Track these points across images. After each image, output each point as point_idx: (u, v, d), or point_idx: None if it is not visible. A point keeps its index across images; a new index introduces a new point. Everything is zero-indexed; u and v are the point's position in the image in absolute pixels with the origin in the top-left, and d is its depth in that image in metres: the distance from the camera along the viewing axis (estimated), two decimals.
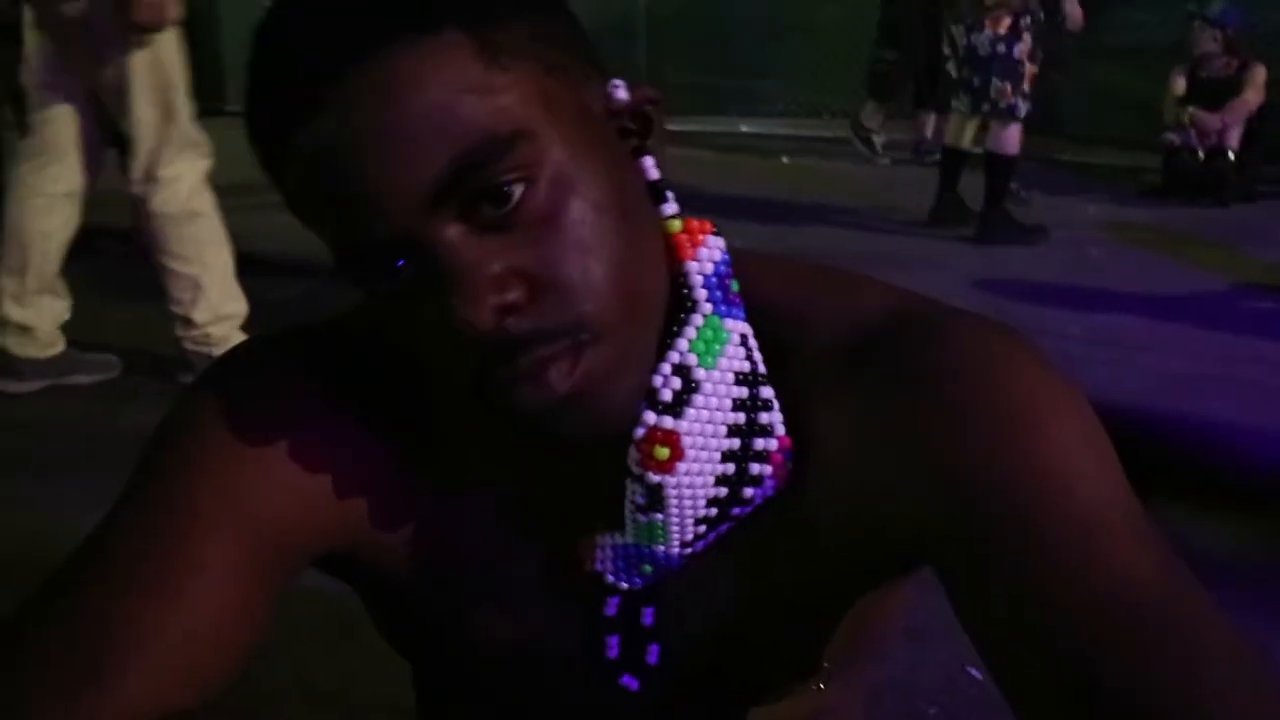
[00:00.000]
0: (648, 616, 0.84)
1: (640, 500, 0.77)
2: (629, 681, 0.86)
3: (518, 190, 0.69)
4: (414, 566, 0.85)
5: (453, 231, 0.69)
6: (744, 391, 0.77)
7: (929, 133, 8.39)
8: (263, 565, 0.79)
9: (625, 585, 0.82)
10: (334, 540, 0.84)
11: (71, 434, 3.44)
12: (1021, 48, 5.92)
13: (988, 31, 5.93)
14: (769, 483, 0.79)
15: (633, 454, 0.76)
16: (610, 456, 0.77)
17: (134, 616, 0.74)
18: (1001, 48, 5.94)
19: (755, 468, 0.78)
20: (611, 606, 0.84)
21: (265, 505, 0.80)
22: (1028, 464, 0.72)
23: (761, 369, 0.78)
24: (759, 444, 0.78)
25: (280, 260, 4.73)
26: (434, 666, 0.95)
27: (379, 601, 0.92)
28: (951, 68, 6.27)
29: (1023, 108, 6.01)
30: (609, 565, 0.82)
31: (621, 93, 0.78)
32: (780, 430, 0.78)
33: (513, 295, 0.70)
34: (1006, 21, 5.89)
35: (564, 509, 0.83)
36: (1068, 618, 0.67)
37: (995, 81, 5.97)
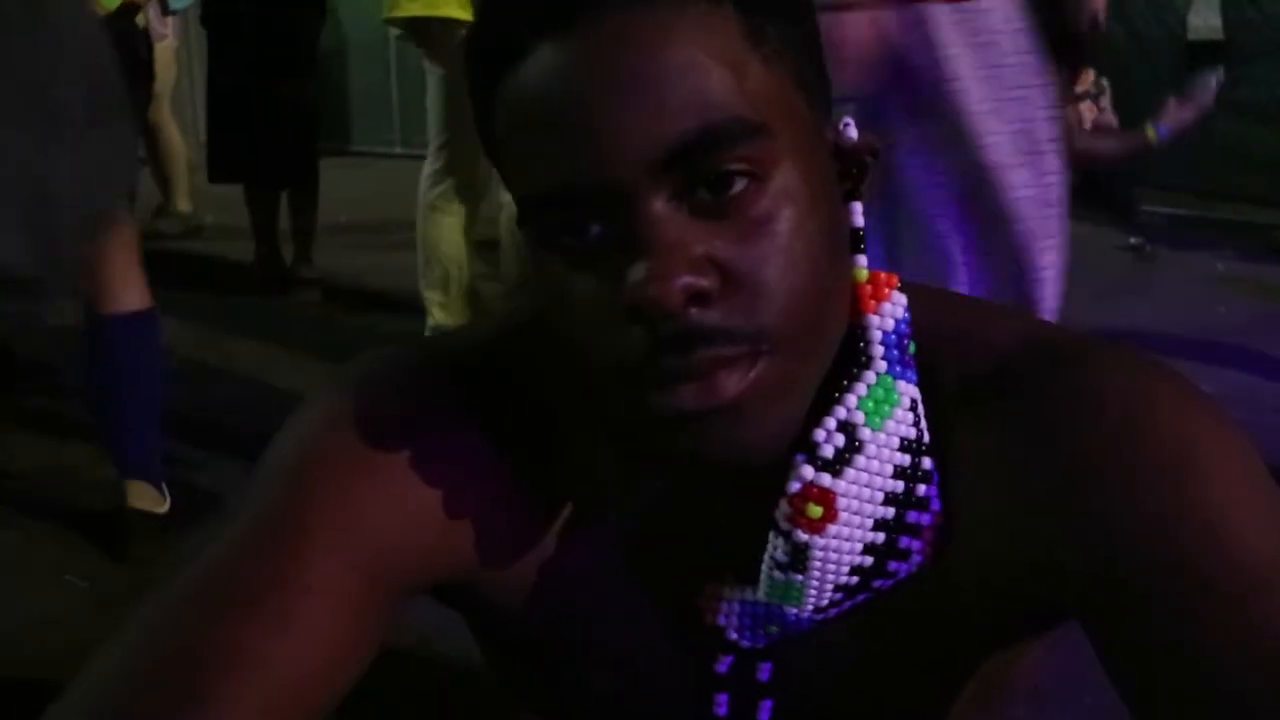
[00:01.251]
0: (764, 672, 0.82)
1: (782, 558, 0.74)
2: None
3: (742, 182, 0.67)
4: (529, 601, 0.83)
5: (662, 203, 0.67)
6: (906, 459, 0.75)
7: None
8: (375, 590, 0.77)
9: (747, 645, 0.80)
10: (450, 569, 0.81)
11: None
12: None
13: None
14: (916, 558, 0.76)
15: (783, 508, 0.73)
16: (750, 507, 0.75)
17: (239, 638, 0.71)
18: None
19: (905, 541, 0.75)
20: (724, 664, 0.82)
21: (382, 529, 0.77)
22: (1187, 510, 0.67)
23: (927, 438, 0.75)
24: (912, 517, 0.75)
25: (402, 297, 4.82)
26: (541, 703, 0.93)
27: (489, 634, 0.90)
28: None
29: None
30: (733, 621, 0.79)
31: (852, 132, 0.76)
32: (936, 505, 0.75)
33: (706, 282, 0.67)
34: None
35: (690, 557, 0.81)
36: (1227, 674, 0.63)
37: None
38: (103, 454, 3.07)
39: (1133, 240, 7.00)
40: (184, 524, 2.89)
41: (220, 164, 5.67)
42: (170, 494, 3.01)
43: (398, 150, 10.36)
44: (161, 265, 6.12)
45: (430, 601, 0.86)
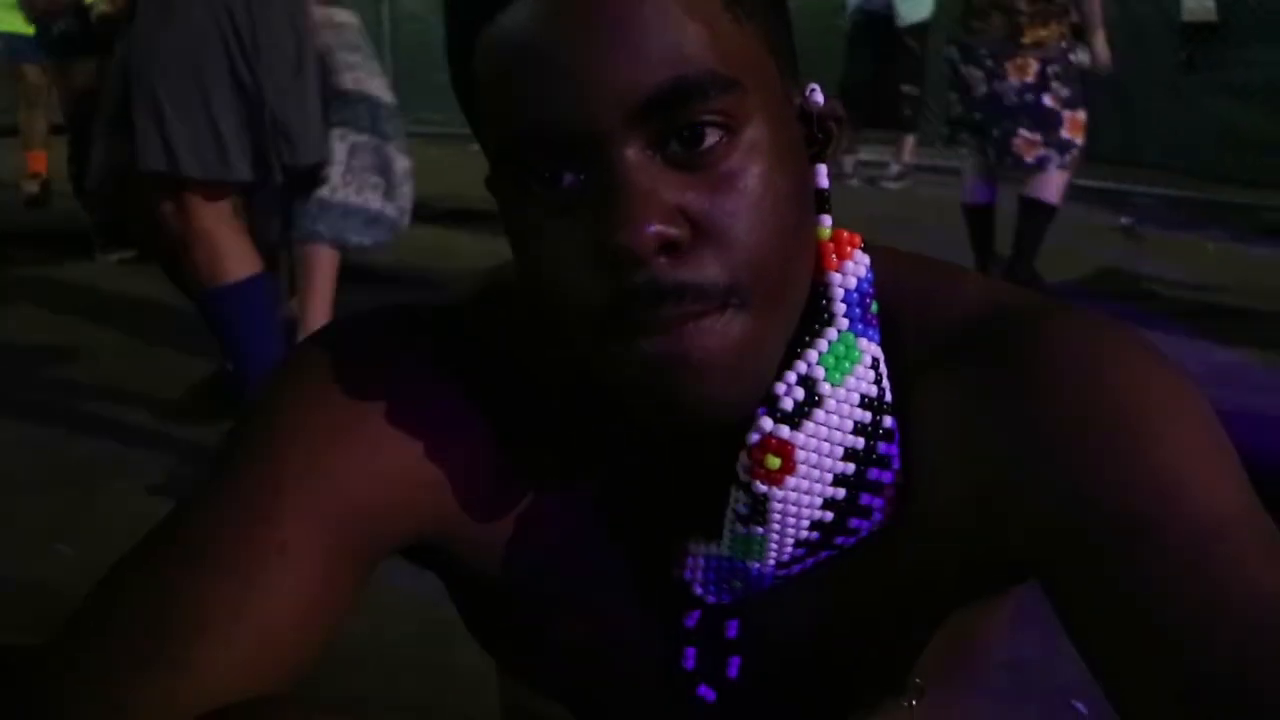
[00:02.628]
0: (731, 629, 0.83)
1: (743, 510, 0.75)
2: (705, 693, 0.84)
3: (714, 135, 0.68)
4: (503, 558, 0.84)
5: (635, 151, 0.67)
6: (867, 416, 0.75)
7: (906, 156, 8.65)
8: (349, 549, 0.77)
9: (711, 600, 0.81)
10: (424, 526, 0.82)
11: None
12: (1051, 98, 5.19)
13: (1012, 80, 5.19)
14: (877, 516, 0.77)
15: (743, 459, 0.74)
16: (717, 462, 0.76)
17: (211, 597, 0.71)
18: (1030, 97, 5.19)
19: (866, 499, 0.76)
20: (692, 619, 0.83)
21: (354, 487, 0.77)
22: (1144, 465, 0.68)
23: (889, 397, 0.76)
24: (874, 474, 0.76)
25: (389, 267, 4.81)
26: (515, 660, 0.94)
27: (464, 590, 0.90)
28: (957, 104, 5.48)
29: (1055, 159, 5.25)
30: (698, 575, 0.80)
31: (819, 97, 0.77)
32: (897, 463, 0.76)
33: (677, 232, 0.67)
34: (1034, 69, 5.17)
35: (661, 512, 0.82)
36: (1182, 627, 0.63)
37: (1023, 132, 5.20)
38: (87, 425, 3.08)
39: (1123, 221, 7.01)
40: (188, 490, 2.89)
41: None
42: (164, 459, 3.02)
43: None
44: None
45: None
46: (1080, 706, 2.06)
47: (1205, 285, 5.82)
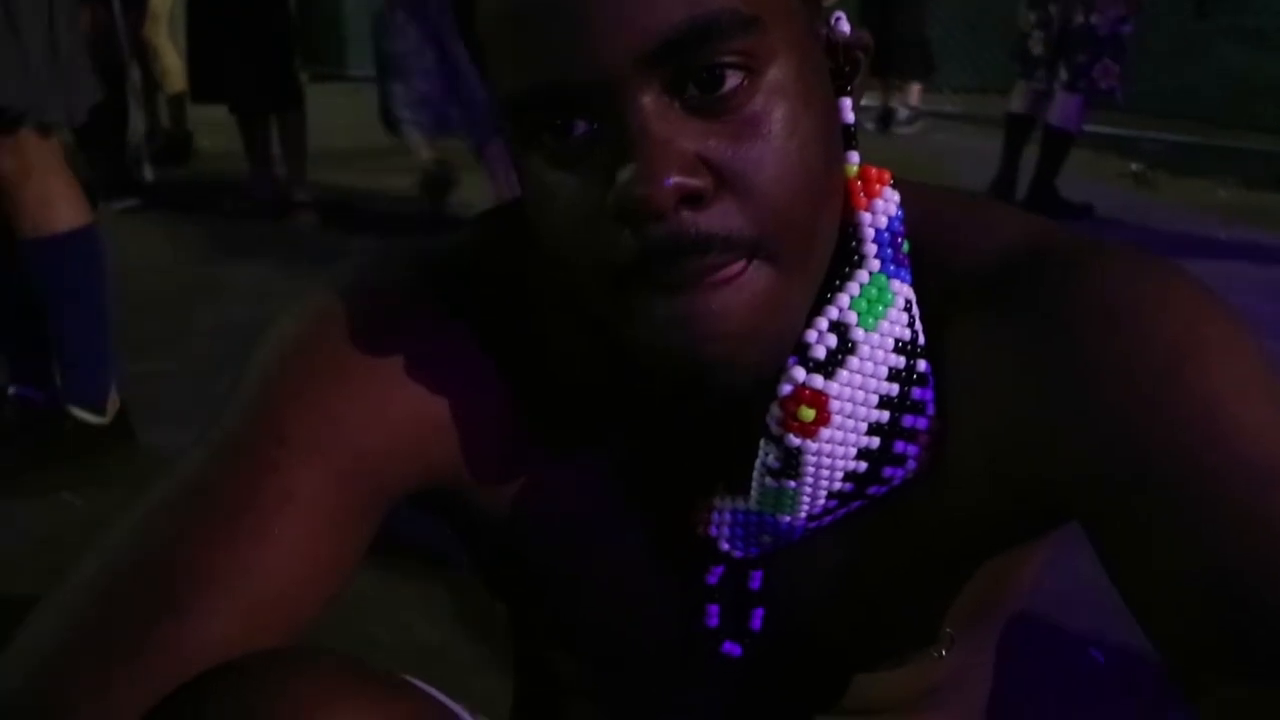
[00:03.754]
0: (755, 581, 0.80)
1: (774, 464, 0.72)
2: (731, 648, 0.82)
3: (735, 78, 0.64)
4: (514, 512, 0.81)
5: (652, 99, 0.64)
6: (901, 361, 0.72)
7: (914, 100, 8.76)
8: (356, 497, 0.75)
9: (739, 555, 0.78)
10: (434, 476, 0.79)
11: None
12: (1127, 36, 5.70)
13: (1109, 13, 5.65)
14: (911, 463, 0.74)
15: (774, 412, 0.71)
16: (741, 414, 0.73)
17: (217, 547, 0.70)
18: (1119, 29, 5.68)
19: (900, 446, 0.73)
20: (714, 575, 0.80)
21: (362, 434, 0.75)
22: (1192, 402, 0.65)
23: (922, 340, 0.73)
24: (908, 421, 0.73)
25: (394, 220, 4.79)
26: (529, 612, 0.92)
27: (476, 540, 0.88)
28: (1038, 42, 5.91)
29: (1119, 90, 5.78)
30: (725, 531, 0.77)
31: (845, 26, 0.74)
32: (931, 409, 0.73)
33: (698, 182, 0.64)
34: (1121, 5, 5.62)
35: (682, 468, 0.78)
36: (1232, 567, 0.60)
37: (1107, 61, 5.69)
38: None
39: (1134, 166, 6.96)
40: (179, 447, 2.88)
41: (201, 85, 5.66)
42: (165, 418, 3.01)
43: None
44: (156, 188, 6.14)
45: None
46: (1098, 655, 2.05)
47: (1217, 231, 5.79)
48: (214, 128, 6.66)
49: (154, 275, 4.64)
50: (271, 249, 4.94)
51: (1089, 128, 6.37)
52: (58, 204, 2.80)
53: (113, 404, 3.00)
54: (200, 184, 6.38)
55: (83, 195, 2.89)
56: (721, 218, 0.65)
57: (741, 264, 0.66)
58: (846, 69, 0.74)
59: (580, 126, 0.66)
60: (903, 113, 8.64)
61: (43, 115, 2.68)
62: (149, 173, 6.22)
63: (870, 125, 8.40)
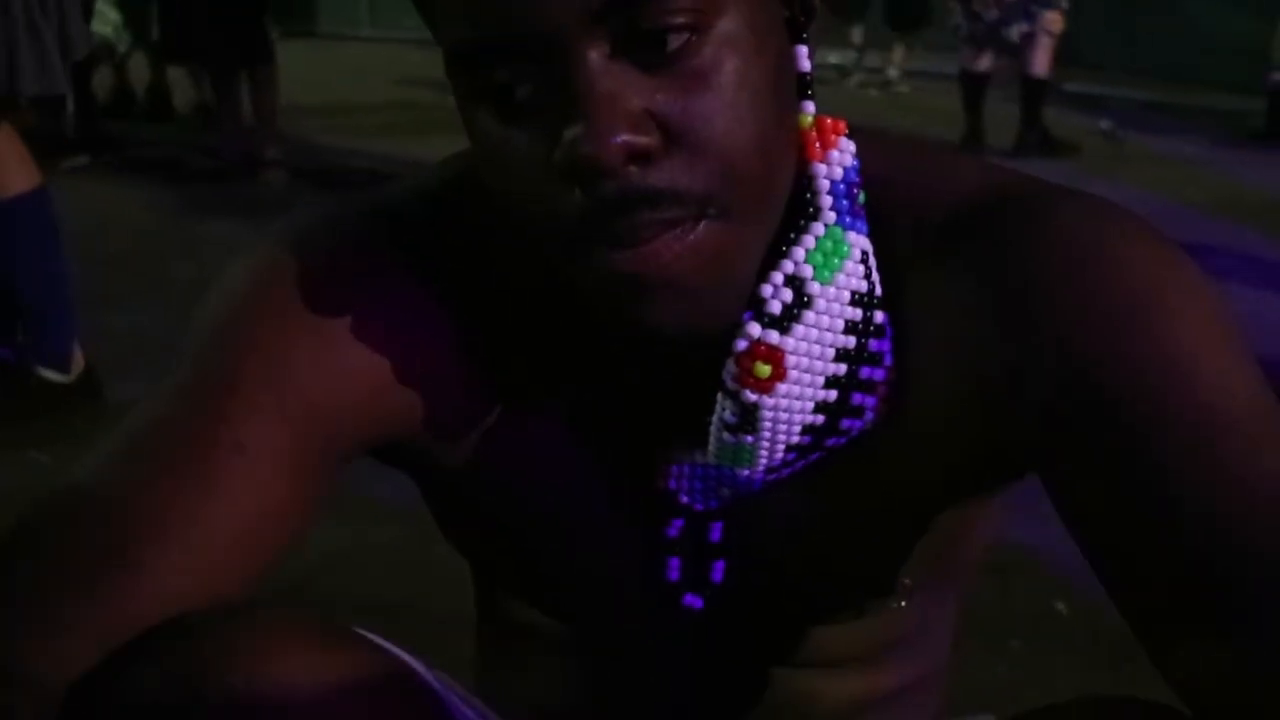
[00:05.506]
0: (714, 532, 0.80)
1: (731, 419, 0.72)
2: (692, 601, 0.82)
3: (683, 33, 0.63)
4: (473, 464, 0.81)
5: (599, 55, 0.62)
6: (858, 314, 0.71)
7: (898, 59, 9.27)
8: (311, 449, 0.74)
9: (699, 508, 0.78)
10: (390, 428, 0.79)
11: None
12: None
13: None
14: (869, 415, 0.74)
15: (730, 368, 0.70)
16: (699, 368, 0.72)
17: (168, 498, 0.69)
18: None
19: (858, 398, 0.73)
20: (674, 528, 0.80)
21: (315, 385, 0.74)
22: (1152, 346, 0.65)
23: (879, 291, 0.72)
24: (865, 373, 0.72)
25: (368, 174, 4.77)
26: (491, 565, 0.93)
27: (437, 494, 0.88)
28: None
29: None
30: (684, 485, 0.77)
31: None
32: (889, 360, 0.73)
33: (646, 139, 0.62)
34: None
35: (640, 420, 0.78)
36: (1184, 513, 0.61)
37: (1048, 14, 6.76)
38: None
39: (1103, 124, 6.98)
40: None
41: (171, 43, 5.62)
42: (136, 374, 3.00)
43: (365, 32, 10.20)
44: (125, 147, 6.10)
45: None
46: (1061, 608, 2.08)
47: (1185, 188, 5.82)
48: (185, 85, 6.62)
49: (124, 232, 4.62)
50: (241, 205, 4.93)
51: (1060, 85, 6.42)
52: (8, 169, 2.80)
53: (77, 362, 3.00)
54: (170, 140, 6.34)
55: (30, 158, 2.89)
56: (670, 174, 0.64)
57: (691, 220, 0.65)
58: (802, 18, 0.72)
59: (527, 83, 0.65)
60: (892, 71, 8.83)
61: (11, 89, 2.68)
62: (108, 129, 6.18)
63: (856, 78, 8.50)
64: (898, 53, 9.15)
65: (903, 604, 0.86)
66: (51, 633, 0.66)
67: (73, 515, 0.70)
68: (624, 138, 0.62)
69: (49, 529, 0.70)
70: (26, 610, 0.66)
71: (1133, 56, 8.73)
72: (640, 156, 0.63)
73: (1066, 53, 6.71)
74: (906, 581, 0.84)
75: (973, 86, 6.90)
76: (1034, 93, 6.81)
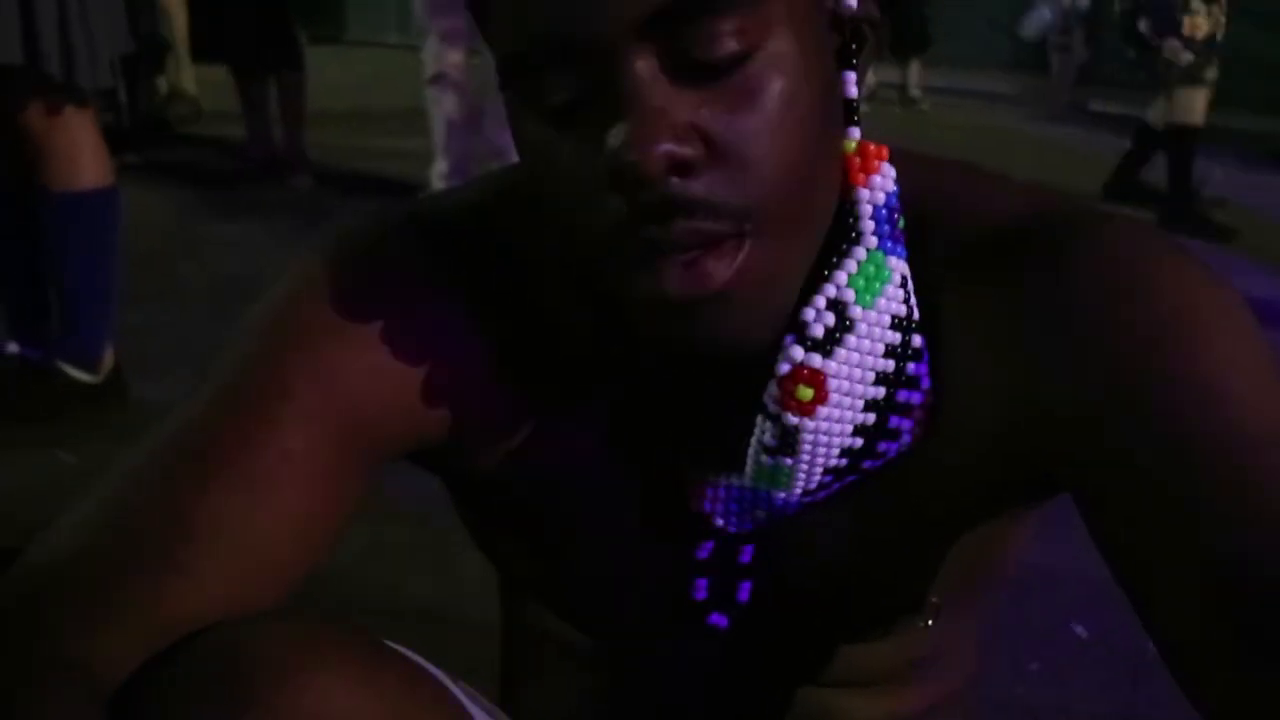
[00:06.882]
0: (745, 555, 0.80)
1: (770, 442, 0.72)
2: (718, 620, 0.82)
3: (732, 50, 0.64)
4: (506, 473, 0.82)
5: (647, 66, 0.63)
6: (897, 337, 0.72)
7: (917, 77, 9.28)
8: (352, 456, 0.75)
9: (733, 529, 0.79)
10: (429, 433, 0.80)
11: None
12: None
13: None
14: (906, 438, 0.74)
15: (771, 390, 0.71)
16: (735, 389, 0.73)
17: (211, 505, 0.70)
18: None
19: (895, 421, 0.74)
20: (705, 550, 0.80)
21: (357, 393, 0.75)
22: (1188, 369, 0.66)
23: (917, 315, 0.73)
24: (903, 396, 0.73)
25: (394, 181, 4.78)
26: (519, 575, 0.93)
27: (469, 501, 0.89)
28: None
29: None
30: (719, 507, 0.77)
31: (851, 1, 0.73)
32: (926, 383, 0.73)
33: (689, 151, 0.63)
34: None
35: (676, 439, 0.78)
36: (1224, 536, 0.61)
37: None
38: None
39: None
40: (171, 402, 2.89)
41: (200, 44, 5.65)
42: (157, 374, 3.01)
43: (393, 38, 10.23)
44: (155, 148, 6.13)
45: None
46: (1079, 630, 2.07)
47: (1214, 209, 5.79)
48: (214, 88, 6.65)
49: (151, 232, 4.62)
50: (267, 209, 4.95)
51: (1088, 105, 6.38)
52: (84, 161, 2.81)
53: (106, 363, 3.00)
54: (199, 143, 6.37)
55: (108, 156, 2.90)
56: (711, 186, 0.65)
57: (730, 238, 0.66)
58: (853, 44, 0.73)
59: (576, 90, 0.66)
60: (913, 89, 8.80)
61: (66, 76, 2.69)
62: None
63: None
64: (914, 69, 9.15)
65: (930, 623, 0.86)
66: (101, 630, 0.67)
67: (120, 519, 0.71)
68: (667, 147, 0.63)
69: (97, 529, 0.71)
70: (82, 604, 0.68)
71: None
72: (682, 167, 0.64)
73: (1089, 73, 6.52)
74: (935, 600, 0.84)
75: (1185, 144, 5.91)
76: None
